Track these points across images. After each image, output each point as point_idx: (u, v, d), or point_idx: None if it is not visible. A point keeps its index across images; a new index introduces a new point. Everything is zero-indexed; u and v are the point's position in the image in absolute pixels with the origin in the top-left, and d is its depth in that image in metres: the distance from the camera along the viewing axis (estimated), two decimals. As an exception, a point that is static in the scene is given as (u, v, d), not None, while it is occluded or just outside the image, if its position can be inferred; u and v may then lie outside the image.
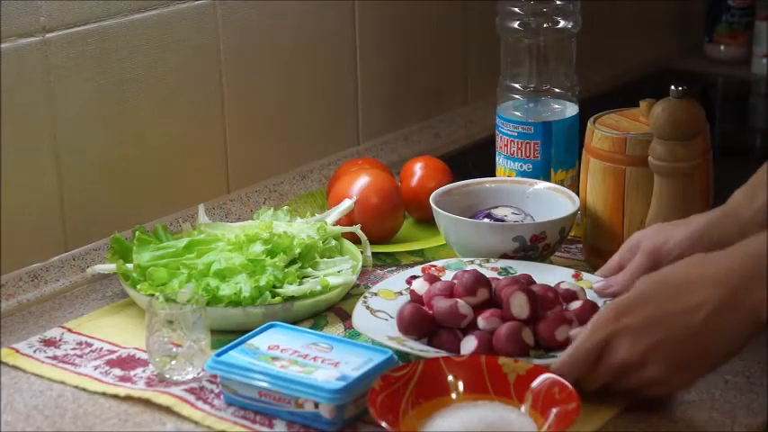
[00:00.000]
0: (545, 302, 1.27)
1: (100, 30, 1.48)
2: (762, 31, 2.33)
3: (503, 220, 1.47)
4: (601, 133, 1.47)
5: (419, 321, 1.27)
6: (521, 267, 1.39)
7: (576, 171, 1.60)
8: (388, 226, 1.57)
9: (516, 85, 1.63)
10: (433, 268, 1.39)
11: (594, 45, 2.09)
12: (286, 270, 1.38)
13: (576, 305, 1.28)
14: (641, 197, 1.44)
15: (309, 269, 1.42)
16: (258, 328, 1.26)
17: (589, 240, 1.50)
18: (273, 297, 1.34)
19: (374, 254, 1.51)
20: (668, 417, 1.17)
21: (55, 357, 1.30)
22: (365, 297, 1.33)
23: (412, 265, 1.51)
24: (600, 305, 1.29)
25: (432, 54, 1.96)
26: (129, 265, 1.40)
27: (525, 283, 1.28)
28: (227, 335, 1.31)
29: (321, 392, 1.14)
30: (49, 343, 1.34)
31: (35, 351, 1.32)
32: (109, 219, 1.51)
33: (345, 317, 1.38)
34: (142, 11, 1.52)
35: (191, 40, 1.58)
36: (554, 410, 1.12)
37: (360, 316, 1.29)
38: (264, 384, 1.17)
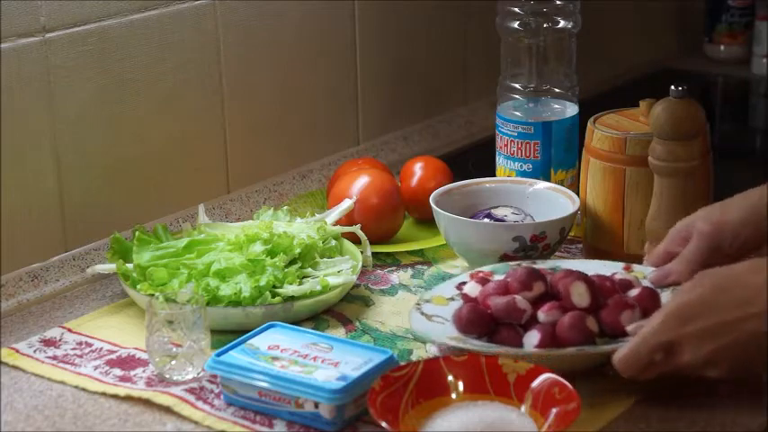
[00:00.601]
0: (603, 291, 1.26)
1: (100, 30, 1.48)
2: (762, 31, 2.33)
3: (503, 220, 1.47)
4: (601, 133, 1.47)
5: (477, 319, 1.25)
6: (569, 266, 1.37)
7: (576, 171, 1.60)
8: (388, 226, 1.57)
9: (516, 85, 1.63)
10: (480, 273, 1.37)
11: (594, 45, 2.09)
12: (286, 270, 1.39)
13: (634, 292, 1.27)
14: (641, 197, 1.44)
15: (309, 269, 1.42)
16: (258, 328, 1.26)
17: (589, 240, 1.50)
18: (273, 297, 1.34)
19: (374, 254, 1.51)
20: (668, 417, 1.17)
21: (55, 357, 1.30)
22: (418, 304, 1.31)
23: (412, 265, 1.52)
24: (660, 294, 1.27)
25: (431, 54, 1.96)
26: (129, 265, 1.40)
27: (581, 274, 1.27)
28: (227, 335, 1.31)
29: (321, 392, 1.14)
30: (49, 343, 1.34)
31: (35, 351, 1.32)
32: (109, 219, 1.51)
33: (346, 321, 1.38)
34: (142, 11, 1.52)
35: (191, 40, 1.58)
36: (554, 410, 1.12)
37: (417, 321, 1.28)
38: (264, 384, 1.17)
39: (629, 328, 1.21)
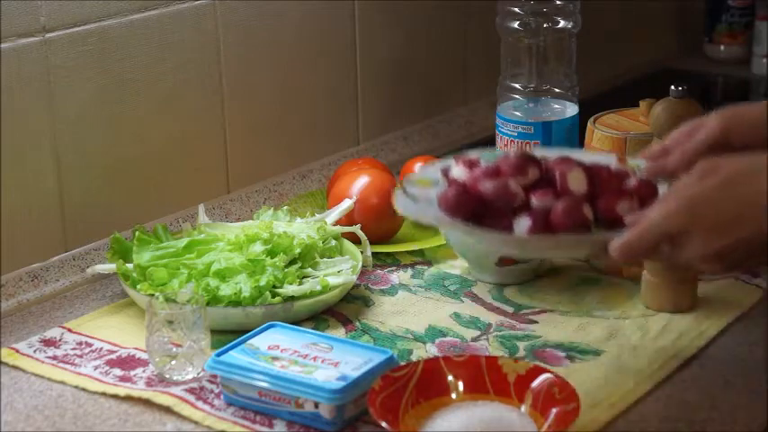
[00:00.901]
0: (601, 179, 1.18)
1: (100, 30, 1.48)
2: (762, 31, 2.33)
3: (503, 220, 1.47)
4: (601, 133, 1.47)
5: (465, 201, 1.17)
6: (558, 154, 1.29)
7: (576, 171, 1.60)
8: (388, 226, 1.57)
9: (516, 85, 1.63)
10: (467, 158, 1.26)
11: (594, 45, 2.09)
12: (286, 270, 1.39)
13: (632, 182, 1.19)
14: (641, 197, 1.44)
15: (309, 269, 1.42)
16: (258, 328, 1.26)
17: (589, 240, 1.50)
18: (273, 297, 1.34)
19: (374, 254, 1.51)
20: (668, 417, 1.17)
21: (55, 357, 1.30)
22: (403, 186, 1.24)
23: (412, 265, 1.52)
24: (657, 186, 1.20)
25: (431, 54, 1.96)
26: (129, 265, 1.40)
27: (579, 161, 1.20)
28: (227, 335, 1.31)
29: (321, 392, 1.14)
30: (49, 343, 1.34)
31: (35, 351, 1.32)
32: (109, 219, 1.51)
33: (346, 321, 1.38)
34: (142, 11, 1.52)
35: (191, 40, 1.58)
36: (554, 410, 1.12)
37: (402, 202, 1.21)
38: (264, 384, 1.17)
39: (627, 219, 1.14)
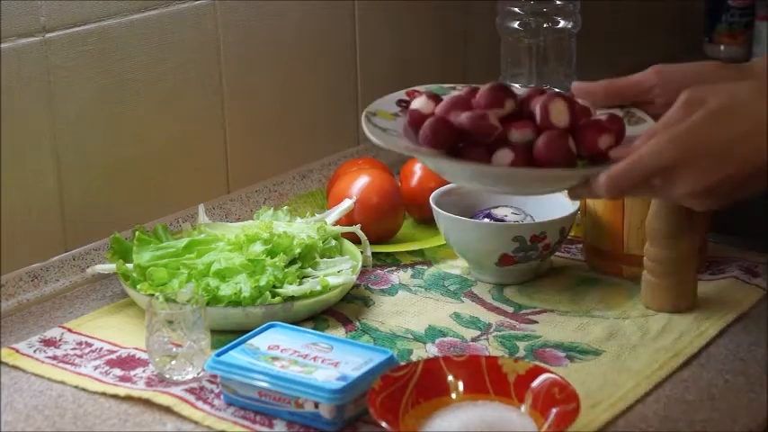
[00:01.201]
0: (578, 113, 1.14)
1: (100, 30, 1.48)
2: (762, 31, 2.33)
3: (503, 220, 1.47)
4: (601, 133, 1.47)
5: (444, 131, 1.11)
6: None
7: (576, 171, 1.60)
8: (388, 226, 1.57)
9: (516, 86, 1.63)
10: (423, 91, 1.20)
11: (594, 45, 2.09)
12: (286, 270, 1.39)
13: (602, 116, 1.15)
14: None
15: (309, 269, 1.42)
16: (258, 328, 1.26)
17: (589, 240, 1.50)
18: (273, 297, 1.34)
19: (374, 254, 1.51)
20: (668, 417, 1.17)
21: (55, 357, 1.30)
22: (368, 117, 1.17)
23: (412, 265, 1.52)
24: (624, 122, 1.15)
25: (432, 54, 1.96)
26: (129, 265, 1.40)
27: (559, 92, 1.15)
28: (227, 335, 1.31)
29: (321, 392, 1.14)
30: (49, 343, 1.34)
31: (35, 351, 1.32)
32: (109, 219, 1.51)
33: (346, 321, 1.38)
34: (142, 11, 1.52)
35: (191, 40, 1.58)
36: (554, 410, 1.12)
37: (373, 133, 1.14)
38: (264, 384, 1.17)
39: (613, 153, 1.11)
